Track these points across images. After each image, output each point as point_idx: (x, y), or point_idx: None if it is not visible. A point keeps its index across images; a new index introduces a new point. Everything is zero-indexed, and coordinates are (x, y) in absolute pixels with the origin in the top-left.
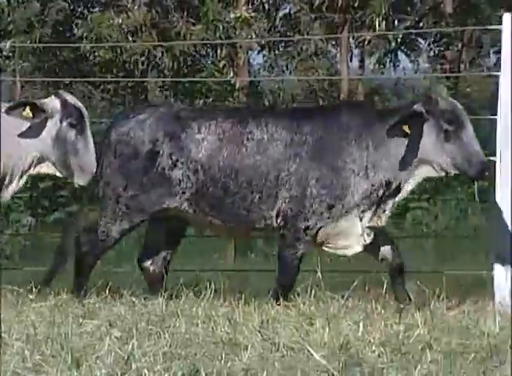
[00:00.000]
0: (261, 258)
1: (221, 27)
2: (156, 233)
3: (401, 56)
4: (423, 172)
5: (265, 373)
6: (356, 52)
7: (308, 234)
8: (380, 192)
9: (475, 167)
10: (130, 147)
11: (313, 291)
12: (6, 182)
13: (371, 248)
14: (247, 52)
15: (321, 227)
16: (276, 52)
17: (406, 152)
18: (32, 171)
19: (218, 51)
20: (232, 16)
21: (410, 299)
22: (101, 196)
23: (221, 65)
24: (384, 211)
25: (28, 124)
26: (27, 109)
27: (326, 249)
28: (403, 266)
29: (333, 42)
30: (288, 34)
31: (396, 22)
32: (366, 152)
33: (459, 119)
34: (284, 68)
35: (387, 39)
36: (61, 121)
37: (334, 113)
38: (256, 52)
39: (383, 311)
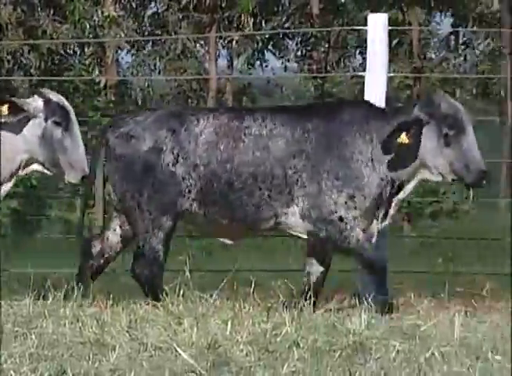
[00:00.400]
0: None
1: (88, 26)
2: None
3: (269, 55)
4: (422, 175)
5: (133, 373)
6: (224, 51)
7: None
8: (388, 189)
9: (473, 174)
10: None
11: (181, 291)
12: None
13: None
14: (116, 52)
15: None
16: (145, 51)
17: (406, 154)
18: (21, 173)
19: (86, 50)
20: (99, 14)
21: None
22: (122, 208)
23: (88, 64)
24: (387, 213)
25: (10, 125)
26: (4, 107)
27: None
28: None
29: (202, 42)
30: (156, 33)
31: (264, 22)
32: (371, 145)
33: (461, 124)
34: (153, 67)
35: (255, 39)
36: (46, 120)
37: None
38: (125, 52)
39: (251, 310)
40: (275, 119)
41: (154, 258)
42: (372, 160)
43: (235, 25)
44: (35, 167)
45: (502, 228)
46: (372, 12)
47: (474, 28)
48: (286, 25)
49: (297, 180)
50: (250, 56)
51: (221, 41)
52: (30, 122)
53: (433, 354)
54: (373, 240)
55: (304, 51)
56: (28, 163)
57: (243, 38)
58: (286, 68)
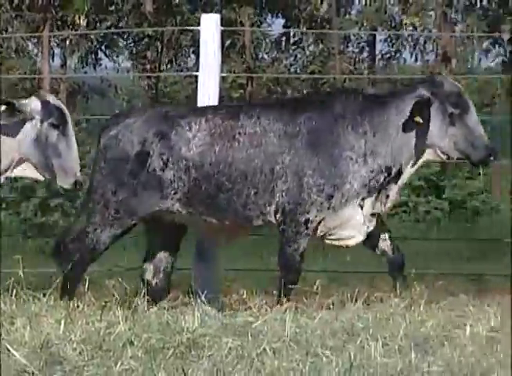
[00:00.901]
0: None
1: None
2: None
3: (102, 54)
4: (425, 156)
5: None
6: (58, 50)
7: (308, 227)
8: (381, 178)
9: (480, 151)
10: (119, 150)
11: (14, 290)
12: None
13: (369, 241)
14: None
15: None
16: None
17: (417, 139)
18: (10, 174)
19: None
20: None
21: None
22: (88, 202)
23: None
24: (388, 197)
25: (5, 126)
26: (2, 107)
27: (327, 242)
28: (403, 259)
29: (35, 41)
30: None
31: (98, 21)
32: (364, 138)
33: (465, 102)
34: None
35: (89, 38)
36: (42, 122)
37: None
38: None
39: (85, 309)
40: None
41: (93, 248)
42: (364, 154)
43: (69, 24)
44: (28, 170)
45: None
46: (205, 12)
47: (304, 29)
48: (121, 24)
49: None
50: (84, 55)
51: (55, 40)
52: (27, 124)
53: (264, 350)
54: (371, 226)
55: (137, 50)
56: (18, 163)
57: (77, 37)
58: (119, 67)
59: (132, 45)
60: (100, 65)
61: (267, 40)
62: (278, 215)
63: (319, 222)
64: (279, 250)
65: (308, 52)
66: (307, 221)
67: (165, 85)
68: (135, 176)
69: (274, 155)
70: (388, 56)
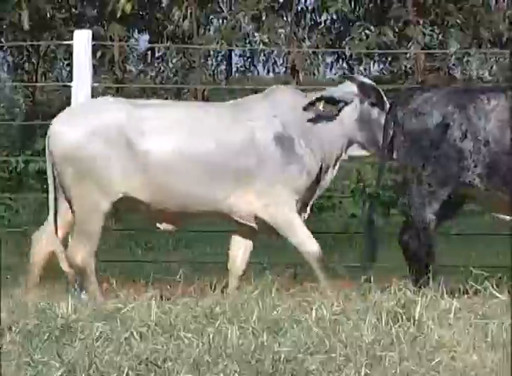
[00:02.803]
0: None
1: None
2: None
3: None
4: None
5: None
6: None
7: None
8: None
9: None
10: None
11: None
12: (324, 170)
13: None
14: None
15: None
16: None
17: None
18: (344, 156)
19: None
20: None
21: None
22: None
23: None
24: None
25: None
26: (321, 103)
27: None
28: None
29: None
30: None
31: None
32: None
33: None
34: None
35: None
36: (361, 103)
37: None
38: None
39: None
40: None
41: (424, 228)
42: None
43: None
44: (355, 151)
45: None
46: (78, 28)
47: (168, 44)
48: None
49: None
50: None
51: None
52: (347, 108)
53: (132, 333)
54: None
55: (15, 62)
56: (348, 145)
57: None
58: None
59: (11, 57)
60: None
61: (134, 54)
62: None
63: None
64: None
65: (171, 65)
66: None
67: (41, 94)
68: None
69: None
70: (243, 68)
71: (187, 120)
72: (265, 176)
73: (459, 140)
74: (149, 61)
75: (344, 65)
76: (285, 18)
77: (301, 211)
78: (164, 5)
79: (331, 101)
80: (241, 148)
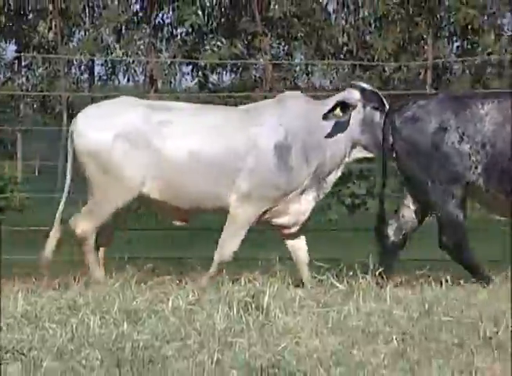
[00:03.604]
0: None
1: None
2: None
3: None
4: None
5: None
6: None
7: None
8: None
9: None
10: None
11: None
12: (325, 173)
13: None
14: None
15: None
16: None
17: None
18: (348, 159)
19: None
20: None
21: None
22: (415, 184)
23: None
24: None
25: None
26: (338, 109)
27: None
28: None
29: None
30: None
31: None
32: None
33: None
34: None
35: None
36: (364, 107)
37: None
38: None
39: None
40: None
41: (458, 224)
42: None
43: None
44: (358, 154)
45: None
46: None
47: (34, 54)
48: None
49: None
50: None
51: None
52: (352, 112)
53: None
54: None
55: None
56: (352, 148)
57: None
58: None
59: None
60: None
61: (2, 62)
62: None
63: None
64: None
65: (37, 74)
66: None
67: None
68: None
69: None
70: (105, 77)
71: (199, 124)
72: (254, 180)
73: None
74: (16, 69)
75: (200, 74)
76: (144, 30)
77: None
78: (30, 17)
79: (344, 107)
80: (243, 152)
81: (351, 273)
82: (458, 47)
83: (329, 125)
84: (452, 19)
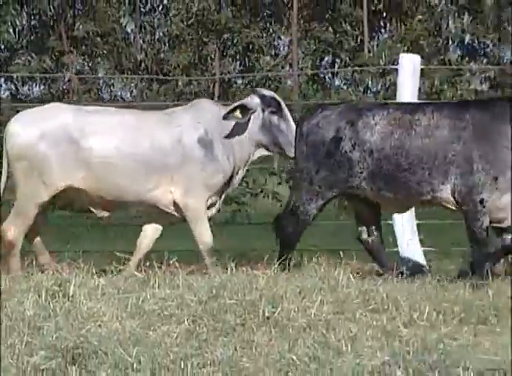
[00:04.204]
0: None
1: None
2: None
3: None
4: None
5: None
6: None
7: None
8: None
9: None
10: (319, 136)
11: None
12: (235, 171)
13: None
14: None
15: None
16: None
17: None
18: (253, 157)
19: None
20: None
21: None
22: (295, 180)
23: None
24: None
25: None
26: (238, 111)
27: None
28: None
29: None
30: None
31: None
32: None
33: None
34: None
35: None
36: (263, 111)
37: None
38: None
39: None
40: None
41: (306, 219)
42: None
43: None
44: (262, 152)
45: None
46: None
47: None
48: None
49: None
50: None
51: None
52: (251, 116)
53: None
54: None
55: None
56: (256, 148)
57: None
58: None
59: None
60: None
61: None
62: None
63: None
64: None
65: None
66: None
67: None
68: (331, 157)
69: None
70: None
71: (125, 124)
72: (188, 172)
73: (349, 150)
74: None
75: (12, 86)
76: None
77: (211, 206)
78: None
79: (244, 109)
80: (170, 148)
81: (148, 264)
82: (241, 64)
83: (233, 127)
84: (235, 41)
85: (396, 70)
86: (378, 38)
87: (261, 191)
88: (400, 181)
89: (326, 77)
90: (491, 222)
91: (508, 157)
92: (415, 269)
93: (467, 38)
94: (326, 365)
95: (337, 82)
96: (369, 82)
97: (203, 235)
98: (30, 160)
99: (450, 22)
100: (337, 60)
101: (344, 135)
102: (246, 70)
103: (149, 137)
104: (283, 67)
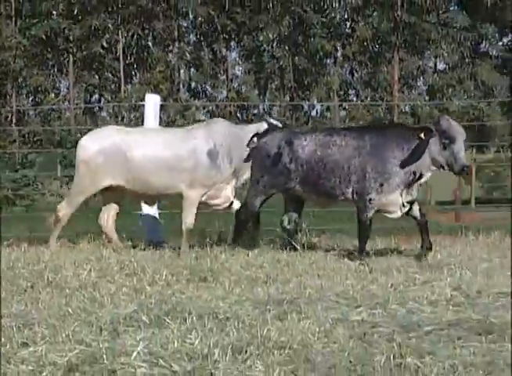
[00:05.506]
0: None
1: None
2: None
3: None
4: (433, 168)
5: None
6: None
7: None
8: (411, 178)
9: (458, 167)
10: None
11: None
12: (242, 173)
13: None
14: None
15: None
16: None
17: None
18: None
19: None
20: None
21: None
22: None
23: None
24: (413, 190)
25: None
26: (255, 138)
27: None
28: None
29: None
30: None
31: None
32: (402, 152)
33: (452, 136)
34: None
35: None
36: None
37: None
38: None
39: None
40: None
41: (252, 210)
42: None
43: None
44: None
45: None
46: None
47: None
48: None
49: None
50: None
51: None
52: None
53: None
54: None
55: None
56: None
57: None
58: None
59: None
60: None
61: None
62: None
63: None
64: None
65: None
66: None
67: None
68: (274, 166)
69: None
70: None
71: (157, 138)
72: (196, 173)
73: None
74: None
75: None
76: None
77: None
78: None
79: (255, 135)
80: (187, 156)
81: None
82: (33, 99)
83: (239, 142)
84: (28, 83)
85: (143, 105)
86: (131, 82)
87: None
88: (321, 186)
89: (95, 109)
90: (382, 213)
91: (394, 168)
92: (157, 243)
93: (193, 84)
94: (93, 314)
95: (103, 114)
96: (125, 114)
97: (188, 218)
98: (88, 166)
99: (181, 71)
100: (102, 98)
101: (284, 151)
102: (37, 104)
103: (173, 148)
104: (63, 102)
